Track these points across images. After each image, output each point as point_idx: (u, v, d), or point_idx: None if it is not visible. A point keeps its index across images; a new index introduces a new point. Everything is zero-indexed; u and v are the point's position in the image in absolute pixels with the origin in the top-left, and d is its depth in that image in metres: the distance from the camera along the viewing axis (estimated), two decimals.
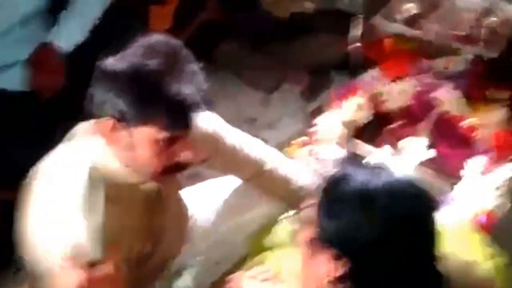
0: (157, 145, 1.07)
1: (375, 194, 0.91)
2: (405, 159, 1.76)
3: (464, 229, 1.43)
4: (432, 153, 1.75)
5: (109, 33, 1.66)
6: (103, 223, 1.07)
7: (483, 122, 1.74)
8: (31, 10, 1.72)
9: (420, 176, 1.70)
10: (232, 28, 2.62)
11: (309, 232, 0.95)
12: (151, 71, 1.03)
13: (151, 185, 1.18)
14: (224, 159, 1.37)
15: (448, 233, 1.03)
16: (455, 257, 1.15)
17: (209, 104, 1.10)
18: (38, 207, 1.07)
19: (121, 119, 1.06)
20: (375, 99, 1.94)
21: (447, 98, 1.80)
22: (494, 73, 1.79)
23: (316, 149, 1.85)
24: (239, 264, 1.41)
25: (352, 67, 2.18)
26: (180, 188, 1.39)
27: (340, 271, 0.90)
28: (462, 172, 1.69)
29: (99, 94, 1.06)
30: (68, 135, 1.19)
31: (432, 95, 1.83)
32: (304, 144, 1.89)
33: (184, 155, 1.10)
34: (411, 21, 1.85)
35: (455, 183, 1.69)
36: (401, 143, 1.81)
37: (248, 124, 2.41)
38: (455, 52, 1.89)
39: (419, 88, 1.86)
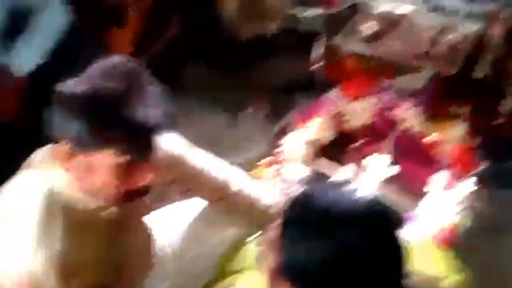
0: (117, 170, 1.05)
1: (336, 217, 0.87)
2: (369, 177, 1.78)
3: (428, 245, 1.44)
4: (395, 170, 1.77)
5: (69, 55, 1.64)
6: (61, 252, 1.03)
7: (445, 138, 1.77)
8: None
9: (384, 193, 1.71)
10: (197, 50, 2.63)
11: (270, 258, 0.92)
12: (110, 94, 1.02)
13: (112, 211, 1.15)
14: (189, 181, 1.35)
15: (413, 249, 1.03)
16: (419, 273, 1.15)
17: (173, 126, 1.09)
18: None
19: (80, 143, 1.03)
20: (338, 118, 1.96)
21: (409, 115, 1.83)
22: (454, 89, 1.83)
23: (282, 169, 1.85)
24: None
25: (315, 87, 2.20)
26: (145, 212, 1.36)
27: None
28: (425, 189, 1.71)
29: (58, 117, 1.04)
30: (26, 162, 1.16)
31: (394, 112, 1.86)
32: (270, 164, 1.90)
33: (146, 180, 1.08)
34: (372, 39, 1.89)
35: (419, 200, 1.70)
36: (365, 161, 1.82)
37: (214, 145, 2.40)
38: (415, 69, 1.92)
39: (381, 106, 1.88)
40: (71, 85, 1.04)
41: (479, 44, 1.75)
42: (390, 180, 1.78)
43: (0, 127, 1.66)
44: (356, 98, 1.95)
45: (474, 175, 1.72)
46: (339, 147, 1.95)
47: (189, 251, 1.45)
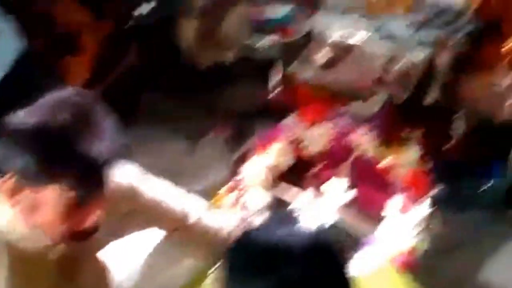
0: (65, 207, 1.01)
1: (277, 256, 0.85)
2: (327, 202, 1.79)
3: (387, 269, 1.46)
4: (352, 194, 1.79)
5: (20, 84, 1.60)
6: None
7: (399, 162, 1.81)
8: None
9: (343, 217, 1.74)
10: (155, 78, 2.62)
11: None
12: (60, 128, 0.99)
13: (60, 250, 1.10)
14: (145, 213, 1.33)
15: (371, 274, 1.04)
16: None
17: (128, 157, 1.07)
18: None
19: (26, 177, 1.00)
20: (296, 144, 1.98)
21: (364, 140, 1.86)
22: (406, 114, 1.88)
23: (242, 196, 1.85)
24: None
25: (273, 114, 2.22)
26: (98, 249, 1.32)
27: None
28: (383, 213, 1.74)
29: (4, 150, 1.00)
30: None
31: (350, 137, 1.89)
32: (230, 191, 1.89)
33: (96, 217, 1.05)
34: (326, 67, 1.93)
35: (377, 224, 1.73)
36: (323, 187, 1.84)
37: (173, 173, 2.38)
38: (369, 95, 1.97)
39: (337, 132, 1.92)
40: (21, 117, 1.01)
41: (428, 70, 1.81)
42: (348, 205, 1.80)
43: None
44: (313, 124, 1.98)
45: (428, 198, 1.75)
46: (298, 172, 1.97)
47: (148, 285, 1.42)
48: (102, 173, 1.02)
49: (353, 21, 2.05)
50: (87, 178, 1.00)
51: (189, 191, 1.46)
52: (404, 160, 1.80)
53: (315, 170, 1.93)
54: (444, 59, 1.83)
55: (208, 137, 2.53)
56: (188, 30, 2.49)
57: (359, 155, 1.86)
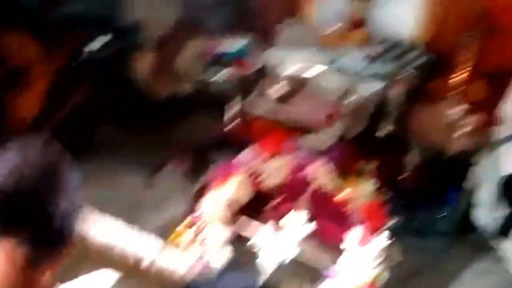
0: (18, 263, 0.97)
1: None
2: (287, 235, 1.79)
3: None
4: (311, 227, 1.79)
5: None
6: None
7: (356, 194, 1.82)
8: None
9: (303, 251, 1.73)
10: (112, 111, 2.59)
11: None
12: (22, 187, 0.96)
13: None
14: (97, 257, 1.30)
15: None
16: None
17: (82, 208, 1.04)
18: None
19: None
20: (254, 177, 1.97)
21: (321, 172, 1.87)
22: (361, 146, 1.91)
23: (201, 232, 1.83)
24: None
25: (231, 146, 2.21)
26: None
27: None
28: (342, 245, 1.74)
29: None
30: None
31: (307, 170, 1.90)
32: (189, 226, 1.87)
33: (46, 279, 1.01)
34: (281, 101, 1.94)
35: (338, 256, 1.73)
36: (282, 220, 1.83)
37: (132, 208, 2.34)
38: (324, 128, 1.99)
39: (294, 165, 1.92)
40: None
41: (381, 103, 1.84)
42: (308, 238, 1.80)
43: None
44: (270, 157, 1.98)
45: (386, 229, 1.77)
46: (257, 206, 1.96)
47: None
48: (61, 230, 0.99)
49: (307, 55, 2.09)
50: (44, 235, 0.97)
51: (147, 226, 1.44)
52: (361, 192, 1.82)
53: (274, 203, 1.93)
54: (396, 92, 1.87)
55: (166, 170, 2.50)
56: (143, 63, 2.48)
57: (317, 188, 1.86)
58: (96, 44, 2.40)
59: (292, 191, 1.91)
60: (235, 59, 2.31)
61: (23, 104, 2.21)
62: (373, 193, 1.83)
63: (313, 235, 1.80)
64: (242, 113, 2.10)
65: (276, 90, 1.95)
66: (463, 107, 1.99)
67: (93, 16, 2.36)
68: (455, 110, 1.98)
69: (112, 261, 1.34)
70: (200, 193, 2.04)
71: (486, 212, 2.01)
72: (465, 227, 2.14)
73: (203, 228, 1.84)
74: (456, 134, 1.96)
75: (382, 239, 1.74)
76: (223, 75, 2.24)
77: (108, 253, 1.31)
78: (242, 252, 1.81)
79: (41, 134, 1.07)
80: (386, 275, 1.70)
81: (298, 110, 1.89)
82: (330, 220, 1.82)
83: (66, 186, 0.98)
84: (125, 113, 2.58)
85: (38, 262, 0.97)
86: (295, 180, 1.91)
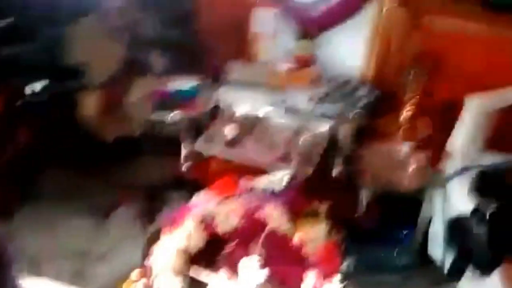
0: None
1: None
2: (242, 282, 1.74)
3: None
4: (265, 273, 1.76)
5: None
6: None
7: (310, 236, 1.80)
8: None
9: None
10: (56, 154, 2.50)
11: None
12: None
13: None
14: None
15: None
16: None
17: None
18: None
19: None
20: (208, 221, 1.93)
21: (274, 215, 1.85)
22: (312, 187, 1.90)
23: (153, 283, 1.76)
24: None
25: (184, 188, 2.17)
26: None
27: None
28: None
29: None
30: None
31: (260, 213, 1.87)
32: (140, 277, 1.80)
33: None
34: (232, 143, 1.92)
35: None
36: (237, 265, 1.79)
37: (80, 255, 2.25)
38: (275, 169, 1.97)
39: (247, 208, 1.89)
40: None
41: (331, 143, 1.84)
42: (264, 283, 1.76)
43: None
44: (222, 200, 1.94)
45: (341, 270, 1.75)
46: (211, 251, 1.91)
47: None
48: None
49: (258, 94, 2.08)
50: None
51: (94, 278, 1.38)
52: (314, 234, 1.80)
53: (228, 248, 1.88)
54: (345, 131, 1.88)
55: (117, 213, 2.42)
56: (90, 104, 2.41)
57: (271, 231, 1.84)
58: (36, 86, 2.33)
59: (246, 235, 1.87)
60: (185, 99, 2.28)
61: None
62: (326, 235, 1.81)
63: (269, 280, 1.77)
64: (194, 155, 2.06)
65: (227, 131, 1.93)
66: (411, 144, 2.02)
67: (32, 59, 2.30)
68: (404, 148, 2.00)
69: None
70: (151, 240, 1.98)
71: (439, 248, 2.02)
72: (423, 259, 2.16)
73: (155, 279, 1.78)
74: (406, 171, 1.98)
75: (336, 283, 1.72)
76: (174, 115, 2.20)
77: None
78: None
79: None
80: None
81: (250, 151, 1.87)
82: (286, 264, 1.79)
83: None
84: (72, 155, 2.50)
85: None
86: (249, 224, 1.87)
